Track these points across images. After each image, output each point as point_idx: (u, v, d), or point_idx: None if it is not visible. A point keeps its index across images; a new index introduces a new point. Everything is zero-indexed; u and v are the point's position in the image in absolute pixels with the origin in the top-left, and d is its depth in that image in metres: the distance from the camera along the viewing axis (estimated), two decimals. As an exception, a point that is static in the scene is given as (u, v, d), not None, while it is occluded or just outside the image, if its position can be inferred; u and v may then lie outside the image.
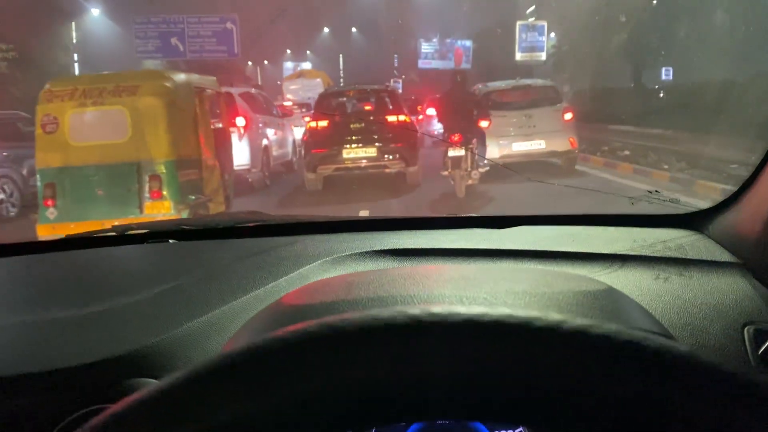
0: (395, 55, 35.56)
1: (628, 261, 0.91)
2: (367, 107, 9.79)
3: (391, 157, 7.85)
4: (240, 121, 8.50)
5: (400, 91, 32.94)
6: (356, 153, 7.92)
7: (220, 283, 0.90)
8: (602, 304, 0.63)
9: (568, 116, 9.19)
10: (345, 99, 9.40)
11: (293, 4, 47.49)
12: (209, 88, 6.43)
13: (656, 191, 1.42)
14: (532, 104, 8.76)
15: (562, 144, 8.97)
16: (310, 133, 8.44)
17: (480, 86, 10.30)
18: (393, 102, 8.83)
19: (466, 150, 7.14)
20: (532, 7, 23.56)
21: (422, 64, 37.18)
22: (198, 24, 21.57)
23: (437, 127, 16.24)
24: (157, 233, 1.29)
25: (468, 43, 37.08)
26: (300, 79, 19.19)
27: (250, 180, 8.97)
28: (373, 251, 0.97)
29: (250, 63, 45.99)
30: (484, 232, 1.13)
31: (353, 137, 7.94)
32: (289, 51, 51.16)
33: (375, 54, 42.09)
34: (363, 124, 8.14)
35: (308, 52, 54.36)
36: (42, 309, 0.88)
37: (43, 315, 0.84)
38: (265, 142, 9.34)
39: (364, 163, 7.92)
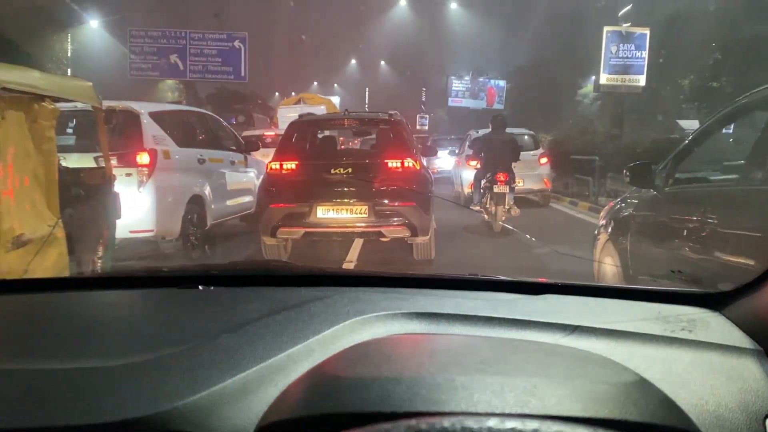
0: (423, 89, 33.25)
1: (654, 342, 0.91)
2: (360, 145, 8.77)
3: (393, 221, 5.36)
4: (142, 159, 5.32)
5: (426, 127, 30.82)
6: (337, 212, 5.36)
7: (255, 338, 0.87)
8: (635, 398, 0.65)
9: (544, 161, 11.07)
10: (327, 132, 7.09)
11: (322, 35, 46.08)
12: (63, 96, 3.59)
13: (679, 271, 1.53)
14: (516, 149, 9.13)
15: (538, 184, 10.82)
16: (270, 179, 5.64)
17: (472, 132, 12.04)
18: (398, 139, 6.08)
19: (510, 189, 7.75)
20: (628, 7, 16.23)
21: (452, 102, 35.51)
22: (202, 41, 19.15)
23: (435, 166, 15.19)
24: (187, 278, 1.30)
25: (501, 82, 35.39)
26: (299, 105, 15.82)
27: (166, 252, 5.87)
28: (401, 314, 0.95)
29: (277, 94, 44.39)
30: (511, 299, 1.12)
31: (334, 188, 5.39)
32: (315, 83, 49.55)
33: (402, 88, 40.04)
34: (350, 170, 5.48)
35: (336, 85, 52.71)
36: (75, 355, 0.85)
37: (78, 362, 0.81)
38: (195, 190, 6.02)
39: (348, 227, 5.42)
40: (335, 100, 40.54)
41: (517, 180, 8.70)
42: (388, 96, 39.36)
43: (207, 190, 6.20)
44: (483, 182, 8.11)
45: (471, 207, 8.49)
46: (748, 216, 2.51)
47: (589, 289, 1.19)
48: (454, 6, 35.59)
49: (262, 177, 6.48)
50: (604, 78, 15.76)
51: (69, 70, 20.62)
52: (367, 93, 44.36)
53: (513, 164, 8.16)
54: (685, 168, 3.37)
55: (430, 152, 8.65)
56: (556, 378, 0.67)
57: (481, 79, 35.59)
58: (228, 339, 0.87)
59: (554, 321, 0.95)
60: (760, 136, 2.87)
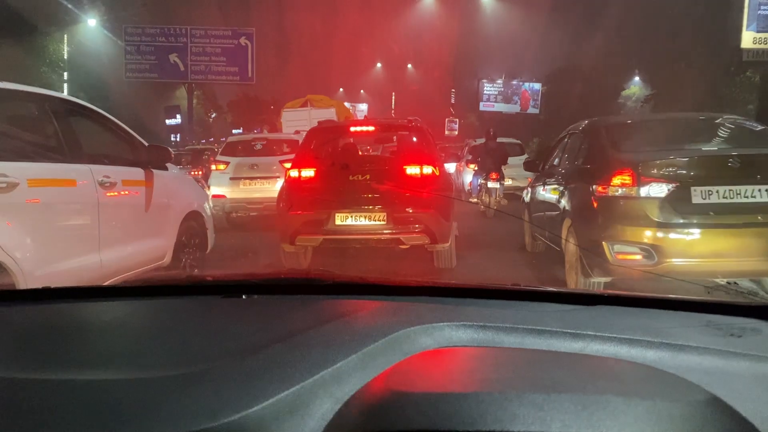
0: (452, 90, 31.26)
1: (710, 354, 0.88)
2: (379, 152, 8.59)
3: (411, 228, 5.46)
4: None
5: (456, 132, 28.88)
6: (356, 219, 5.50)
7: (305, 349, 0.85)
8: (712, 417, 0.63)
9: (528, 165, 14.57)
10: (346, 139, 6.95)
11: (348, 39, 44.36)
12: None
13: (735, 282, 1.54)
14: (505, 154, 11.28)
15: (524, 182, 12.67)
16: (290, 186, 5.81)
17: (470, 141, 15.05)
18: (418, 145, 6.31)
19: (500, 184, 10.37)
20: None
21: (484, 106, 34.04)
22: (204, 38, 17.19)
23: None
24: (230, 287, 1.32)
25: (536, 85, 33.77)
26: (306, 109, 13.75)
27: None
28: (449, 325, 0.94)
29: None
30: (559, 310, 1.12)
31: (353, 195, 5.53)
32: (341, 89, 47.87)
33: (431, 93, 37.95)
34: (369, 177, 5.59)
35: (362, 91, 50.94)
36: (127, 365, 0.85)
37: (131, 372, 0.80)
38: None
39: (366, 234, 5.56)
40: (363, 107, 38.63)
41: (507, 179, 10.82)
42: (415, 100, 37.54)
43: (14, 241, 3.25)
44: (479, 180, 10.63)
45: (470, 200, 10.87)
46: (555, 185, 5.47)
47: (638, 300, 1.18)
48: (486, 0, 33.53)
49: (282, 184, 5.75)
50: (748, 38, 10.65)
51: (66, 74, 19.02)
52: (393, 98, 42.28)
53: (503, 167, 10.54)
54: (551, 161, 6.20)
55: (452, 157, 10.41)
56: (629, 396, 0.63)
57: (514, 82, 34.15)
58: (278, 350, 0.85)
59: (607, 333, 0.91)
60: (558, 147, 6.09)
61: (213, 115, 40.92)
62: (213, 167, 9.95)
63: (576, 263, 4.49)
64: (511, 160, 11.41)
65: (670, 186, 3.98)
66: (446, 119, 29.16)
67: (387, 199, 5.47)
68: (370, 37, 42.37)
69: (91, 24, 18.82)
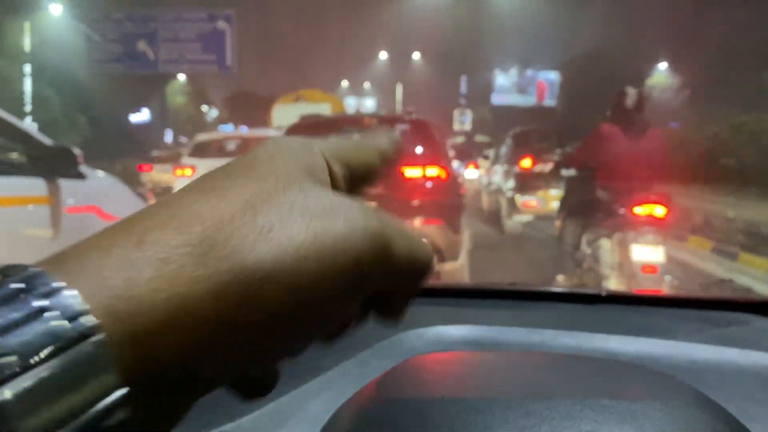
0: (462, 77, 29.21)
1: (713, 354, 0.90)
2: None
3: None
4: None
5: (468, 126, 26.94)
6: None
7: (297, 357, 0.67)
8: (700, 416, 0.57)
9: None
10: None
11: (352, 30, 42.52)
12: None
13: (729, 280, 1.51)
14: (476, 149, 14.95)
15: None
16: None
17: (452, 139, 18.97)
18: (420, 143, 5.18)
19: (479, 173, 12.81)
20: None
21: (497, 99, 32.19)
22: (176, 23, 15.08)
23: None
24: None
25: (553, 75, 31.63)
26: (299, 104, 12.10)
27: None
28: (443, 327, 0.95)
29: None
30: (558, 309, 1.16)
31: None
32: (347, 82, 46.00)
33: (439, 83, 35.99)
34: None
35: (367, 83, 48.99)
36: None
37: None
38: None
39: None
40: (369, 103, 36.60)
41: (479, 169, 13.23)
42: (424, 93, 35.66)
43: None
44: (462, 169, 13.04)
45: None
46: (497, 168, 9.94)
47: (636, 299, 1.24)
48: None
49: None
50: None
51: (29, 67, 17.07)
52: (398, 90, 40.16)
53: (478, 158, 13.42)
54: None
55: (464, 156, 10.35)
56: (618, 398, 0.57)
57: (529, 72, 32.45)
58: None
59: (603, 332, 0.94)
60: (501, 145, 10.52)
61: (214, 114, 39.06)
62: (177, 173, 8.37)
63: (505, 212, 8.40)
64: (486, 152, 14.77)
65: (551, 165, 6.56)
66: (455, 110, 27.07)
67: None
68: (376, 26, 40.49)
69: (54, 12, 16.82)
